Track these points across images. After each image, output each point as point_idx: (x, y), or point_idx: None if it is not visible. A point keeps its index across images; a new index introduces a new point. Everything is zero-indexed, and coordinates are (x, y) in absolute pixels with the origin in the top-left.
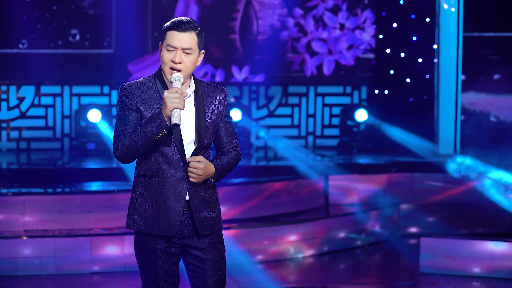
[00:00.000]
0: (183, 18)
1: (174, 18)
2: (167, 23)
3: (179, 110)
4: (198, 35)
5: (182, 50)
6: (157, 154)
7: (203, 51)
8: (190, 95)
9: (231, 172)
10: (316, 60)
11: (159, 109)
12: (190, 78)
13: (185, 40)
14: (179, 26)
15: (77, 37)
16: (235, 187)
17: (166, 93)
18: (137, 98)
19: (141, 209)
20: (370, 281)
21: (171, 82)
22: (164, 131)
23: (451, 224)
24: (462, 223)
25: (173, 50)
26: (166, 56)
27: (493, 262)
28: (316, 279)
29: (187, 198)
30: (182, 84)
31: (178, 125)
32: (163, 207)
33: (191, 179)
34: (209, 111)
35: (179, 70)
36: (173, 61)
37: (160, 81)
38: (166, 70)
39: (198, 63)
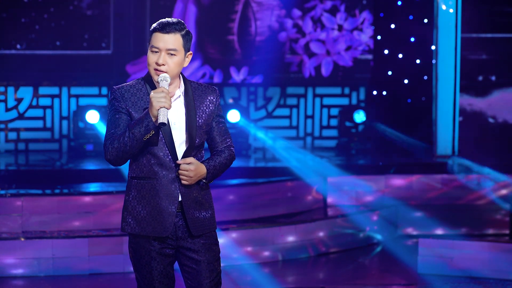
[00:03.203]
0: (169, 19)
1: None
2: (154, 25)
3: (166, 109)
4: (183, 36)
5: (166, 51)
6: (148, 156)
7: (190, 52)
8: (179, 96)
9: (228, 172)
10: (315, 61)
11: (146, 110)
12: (180, 79)
13: (169, 41)
14: (164, 28)
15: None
16: (234, 188)
17: (152, 93)
18: (127, 101)
19: (134, 212)
20: (368, 282)
21: (157, 83)
22: (152, 132)
23: (449, 225)
24: (460, 224)
25: (158, 52)
26: (151, 57)
27: (491, 263)
28: (314, 280)
29: (180, 199)
30: (170, 84)
31: (164, 124)
32: (157, 209)
33: (183, 182)
34: (200, 111)
35: (162, 72)
36: (156, 63)
37: (149, 83)
38: (151, 71)
39: (186, 64)
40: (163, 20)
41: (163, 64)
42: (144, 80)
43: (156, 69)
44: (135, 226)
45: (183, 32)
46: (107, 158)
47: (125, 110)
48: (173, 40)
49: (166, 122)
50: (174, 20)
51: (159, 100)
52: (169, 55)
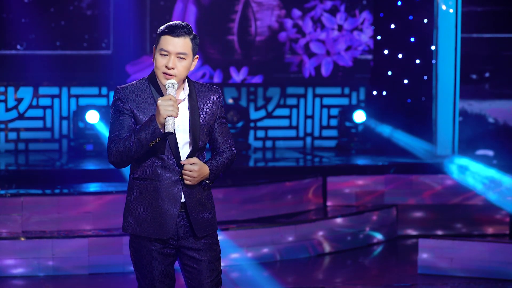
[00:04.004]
0: (178, 22)
1: (172, 19)
2: (162, 27)
3: (173, 118)
4: (192, 40)
5: (176, 55)
6: (152, 157)
7: (197, 56)
8: (184, 99)
9: (229, 172)
10: (314, 61)
11: (153, 116)
12: (184, 81)
13: (179, 45)
14: (173, 31)
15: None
16: (234, 188)
17: (160, 101)
18: (131, 102)
19: (136, 213)
20: (368, 282)
21: (164, 86)
22: (158, 139)
23: (449, 225)
24: (460, 224)
25: (167, 55)
26: (160, 60)
27: (491, 263)
28: (314, 280)
29: (183, 200)
30: (177, 89)
31: (171, 133)
32: (158, 211)
33: (186, 182)
34: (203, 112)
35: (172, 75)
36: (166, 66)
37: (153, 84)
38: (160, 74)
39: (192, 68)
40: (172, 23)
41: (172, 68)
42: (149, 81)
43: (165, 73)
44: (136, 227)
45: (191, 36)
46: (111, 161)
47: (129, 111)
48: (182, 43)
49: (173, 131)
50: (183, 23)
51: (166, 109)
52: (178, 58)
